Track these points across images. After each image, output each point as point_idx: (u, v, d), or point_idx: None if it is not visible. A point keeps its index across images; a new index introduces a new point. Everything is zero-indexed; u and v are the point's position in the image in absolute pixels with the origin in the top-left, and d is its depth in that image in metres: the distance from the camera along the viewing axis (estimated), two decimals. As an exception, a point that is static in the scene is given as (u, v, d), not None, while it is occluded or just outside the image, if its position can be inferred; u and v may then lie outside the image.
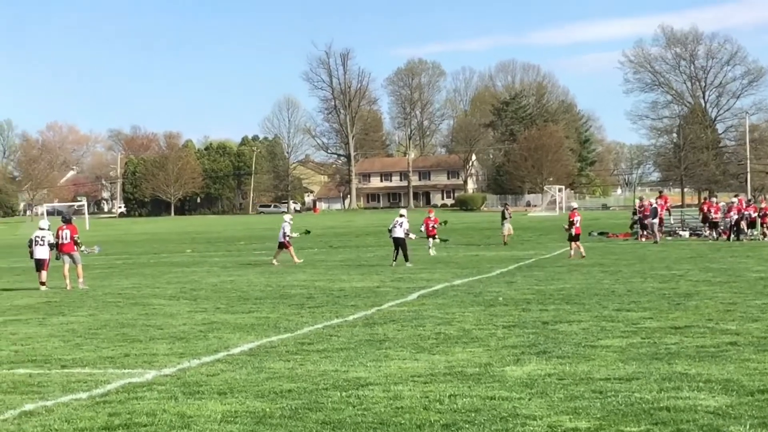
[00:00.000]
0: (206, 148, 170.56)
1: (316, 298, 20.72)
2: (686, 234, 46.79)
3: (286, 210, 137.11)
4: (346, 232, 68.52)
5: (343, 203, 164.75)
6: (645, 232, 44.21)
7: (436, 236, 38.14)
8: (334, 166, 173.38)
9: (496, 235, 50.46)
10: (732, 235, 42.27)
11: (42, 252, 25.89)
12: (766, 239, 41.77)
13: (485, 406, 9.22)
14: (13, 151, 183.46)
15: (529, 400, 9.46)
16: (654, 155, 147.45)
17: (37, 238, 26.04)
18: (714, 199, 49.96)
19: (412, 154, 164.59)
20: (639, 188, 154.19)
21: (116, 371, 11.94)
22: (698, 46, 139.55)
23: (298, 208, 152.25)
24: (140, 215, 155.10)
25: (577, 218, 33.62)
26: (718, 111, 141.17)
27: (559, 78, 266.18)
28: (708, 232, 44.68)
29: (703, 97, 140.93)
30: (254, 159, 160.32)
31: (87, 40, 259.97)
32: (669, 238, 45.18)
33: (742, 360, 11.40)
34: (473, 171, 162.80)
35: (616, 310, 16.75)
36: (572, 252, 32.93)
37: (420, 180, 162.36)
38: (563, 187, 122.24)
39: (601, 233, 50.52)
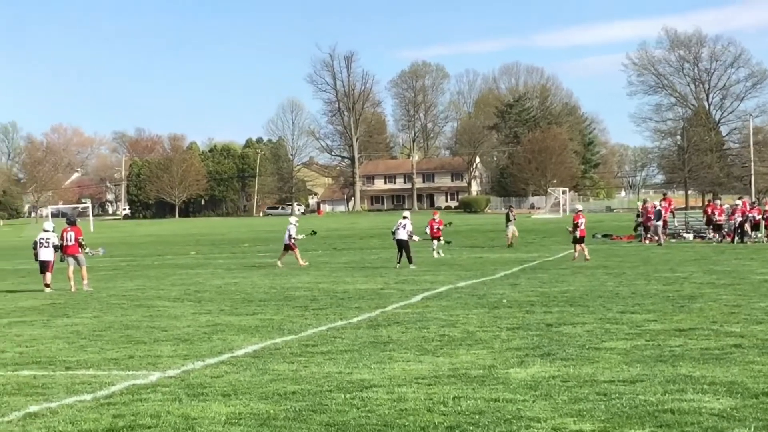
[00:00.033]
0: (210, 150, 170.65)
1: (320, 300, 20.72)
2: (690, 236, 46.78)
3: (293, 212, 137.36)
4: (350, 234, 68.52)
5: (347, 205, 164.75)
6: (648, 235, 44.22)
7: (441, 238, 38.12)
8: (338, 168, 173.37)
9: (500, 237, 50.46)
10: (736, 238, 42.25)
11: (46, 254, 25.91)
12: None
13: (489, 408, 9.21)
14: (17, 154, 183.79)
15: (533, 402, 9.46)
16: (658, 157, 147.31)
17: (41, 240, 26.06)
18: (718, 202, 49.94)
19: (416, 157, 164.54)
20: (643, 191, 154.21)
21: (120, 373, 11.95)
22: (702, 48, 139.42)
23: (303, 211, 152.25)
24: (144, 217, 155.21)
25: (581, 220, 33.59)
26: (722, 113, 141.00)
27: (563, 80, 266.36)
28: (712, 234, 44.65)
29: (707, 100, 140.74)
30: (258, 161, 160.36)
31: (92, 43, 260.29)
32: (673, 240, 45.17)
33: (747, 362, 11.38)
34: (477, 173, 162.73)
35: (620, 313, 16.74)
36: (576, 254, 32.92)
37: (424, 182, 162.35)
38: (567, 189, 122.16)
39: (605, 235, 50.50)
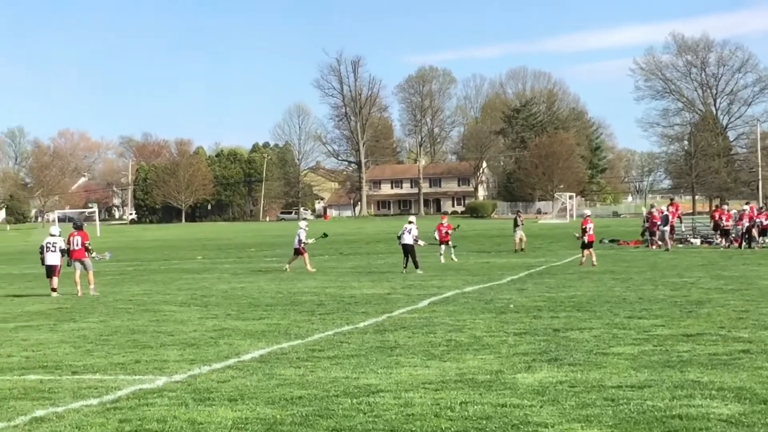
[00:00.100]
0: (217, 155, 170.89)
1: (327, 305, 20.70)
2: (697, 241, 46.68)
3: (306, 216, 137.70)
4: (357, 239, 68.51)
5: (354, 210, 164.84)
6: (653, 239, 44.24)
7: (450, 242, 38.05)
8: (344, 173, 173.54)
9: (506, 242, 50.41)
10: (743, 243, 42.15)
11: (53, 258, 25.93)
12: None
13: (496, 414, 9.19)
14: (24, 158, 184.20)
15: (541, 407, 9.43)
16: (665, 163, 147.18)
17: (48, 245, 26.08)
18: (725, 207, 49.91)
19: (423, 161, 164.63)
20: (650, 196, 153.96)
21: (127, 377, 11.94)
22: (709, 53, 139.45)
23: (312, 217, 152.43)
24: (151, 222, 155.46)
25: (589, 225, 33.50)
26: (730, 118, 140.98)
27: (570, 85, 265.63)
28: (719, 239, 44.56)
29: (714, 105, 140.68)
30: (265, 166, 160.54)
31: (99, 47, 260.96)
32: (680, 245, 45.08)
33: (755, 368, 11.34)
34: (484, 178, 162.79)
35: (627, 318, 16.70)
36: (583, 259, 32.85)
37: (430, 187, 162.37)
38: (574, 194, 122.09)
39: (612, 240, 50.42)
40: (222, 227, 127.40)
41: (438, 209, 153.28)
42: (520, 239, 44.42)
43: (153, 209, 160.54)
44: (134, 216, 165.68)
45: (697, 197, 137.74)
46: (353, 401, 9.94)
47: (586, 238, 33.06)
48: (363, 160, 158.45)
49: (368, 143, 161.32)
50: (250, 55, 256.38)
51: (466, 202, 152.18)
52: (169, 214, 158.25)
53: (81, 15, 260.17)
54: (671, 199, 53.37)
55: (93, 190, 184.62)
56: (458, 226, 42.42)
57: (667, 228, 43.15)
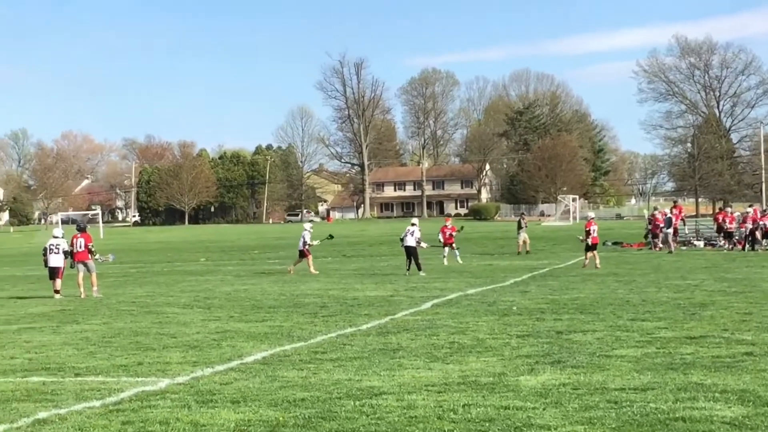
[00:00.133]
0: (220, 157, 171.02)
1: (330, 307, 20.69)
2: (701, 244, 46.64)
3: (311, 219, 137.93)
4: (360, 241, 68.51)
5: (357, 212, 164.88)
6: (654, 242, 44.28)
7: (454, 244, 38.00)
8: (347, 175, 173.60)
9: (509, 244, 50.39)
10: (747, 245, 42.12)
11: (56, 260, 25.94)
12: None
13: (499, 416, 9.18)
14: (28, 160, 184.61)
15: (544, 410, 9.42)
16: (668, 165, 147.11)
17: (51, 246, 26.10)
18: (729, 209, 49.78)
19: (426, 164, 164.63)
20: (653, 198, 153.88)
21: (129, 379, 11.94)
22: (712, 55, 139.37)
23: (318, 219, 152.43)
24: (154, 224, 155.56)
25: (593, 227, 33.48)
26: (733, 121, 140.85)
27: (573, 87, 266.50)
28: (723, 242, 44.52)
29: (718, 107, 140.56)
30: (268, 168, 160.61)
31: (102, 50, 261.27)
32: (684, 248, 45.04)
33: (759, 370, 11.32)
34: (487, 180, 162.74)
35: (630, 320, 16.68)
36: (587, 261, 32.83)
37: (434, 189, 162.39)
38: (577, 196, 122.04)
39: (615, 243, 50.40)
40: (225, 229, 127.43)
41: (441, 211, 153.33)
42: (524, 241, 44.39)
43: (156, 211, 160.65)
44: (137, 218, 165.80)
45: (700, 200, 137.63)
46: (356, 403, 9.93)
47: (590, 241, 33.05)
48: (366, 163, 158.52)
49: (371, 145, 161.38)
50: (253, 58, 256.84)
51: (469, 204, 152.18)
52: (172, 216, 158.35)
53: (84, 17, 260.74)
54: (674, 202, 53.37)
55: (96, 192, 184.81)
56: (462, 228, 42.37)
57: (671, 230, 43.13)
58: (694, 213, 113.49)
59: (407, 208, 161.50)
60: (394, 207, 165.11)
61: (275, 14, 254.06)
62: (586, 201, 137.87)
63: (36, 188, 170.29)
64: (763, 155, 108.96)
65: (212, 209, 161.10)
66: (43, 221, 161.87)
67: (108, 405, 10.25)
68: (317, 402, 10.09)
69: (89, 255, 26.16)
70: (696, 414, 9.02)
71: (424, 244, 33.10)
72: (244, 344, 14.97)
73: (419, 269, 31.07)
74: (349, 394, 10.45)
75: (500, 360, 12.64)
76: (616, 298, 21.00)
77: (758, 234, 42.46)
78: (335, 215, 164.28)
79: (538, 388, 10.53)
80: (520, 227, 45.27)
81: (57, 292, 25.64)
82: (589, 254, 32.97)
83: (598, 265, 32.11)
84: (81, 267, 25.95)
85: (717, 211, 67.61)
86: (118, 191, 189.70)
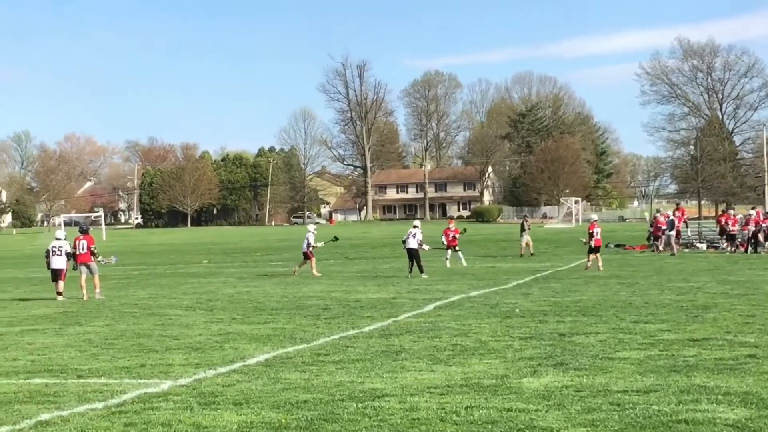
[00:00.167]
0: (223, 160, 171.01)
1: (332, 309, 20.69)
2: (703, 246, 46.63)
3: (318, 221, 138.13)
4: (362, 243, 68.52)
5: (359, 215, 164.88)
6: (656, 244, 44.31)
7: (457, 247, 37.98)
8: (350, 177, 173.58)
9: (512, 246, 50.39)
10: (750, 248, 42.10)
11: (59, 262, 25.97)
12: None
13: (502, 418, 9.17)
14: (30, 162, 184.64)
15: (546, 412, 9.41)
16: (671, 167, 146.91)
17: (54, 249, 26.13)
18: (731, 212, 49.76)
19: (428, 166, 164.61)
20: (656, 201, 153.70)
21: (132, 381, 11.94)
22: (715, 58, 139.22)
23: (324, 221, 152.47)
24: (157, 226, 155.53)
25: (596, 230, 33.49)
26: (736, 123, 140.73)
27: (576, 90, 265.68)
28: (725, 244, 44.50)
29: (720, 109, 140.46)
30: (270, 170, 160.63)
31: (104, 52, 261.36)
32: (686, 250, 45.04)
33: (761, 372, 11.31)
34: (489, 183, 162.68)
35: (633, 322, 16.67)
36: (589, 263, 32.84)
37: (436, 192, 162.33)
38: (579, 199, 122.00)
39: (617, 245, 50.39)
40: (228, 231, 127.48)
41: (443, 214, 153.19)
42: (527, 244, 44.40)
43: (159, 213, 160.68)
44: (140, 220, 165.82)
45: (703, 202, 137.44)
46: (358, 405, 9.93)
47: (593, 243, 33.06)
48: (368, 165, 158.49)
49: (374, 148, 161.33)
50: (256, 60, 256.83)
51: (472, 206, 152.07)
52: (175, 218, 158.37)
53: (87, 18, 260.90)
54: (677, 204, 53.33)
55: (99, 194, 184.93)
56: (465, 230, 42.39)
57: (674, 232, 43.14)
58: (697, 215, 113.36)
59: (410, 210, 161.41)
60: (397, 209, 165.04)
61: (278, 16, 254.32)
62: (589, 203, 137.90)
63: (39, 190, 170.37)
64: (765, 157, 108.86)
65: (215, 211, 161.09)
66: (45, 223, 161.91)
67: (110, 407, 10.25)
68: (320, 404, 10.09)
69: (92, 257, 26.18)
70: (699, 416, 9.01)
71: (426, 247, 33.11)
72: (246, 346, 14.97)
73: (421, 271, 31.07)
74: (351, 396, 10.44)
75: (503, 362, 12.63)
76: (618, 301, 20.99)
77: (761, 236, 42.43)
78: (338, 217, 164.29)
79: (541, 390, 10.52)
80: (523, 230, 45.29)
81: (59, 294, 25.66)
82: (592, 256, 32.99)
83: (601, 268, 32.11)
84: (83, 269, 25.98)
85: (720, 213, 67.47)
86: (120, 193, 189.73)
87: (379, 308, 20.70)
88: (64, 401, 10.66)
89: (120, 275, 37.89)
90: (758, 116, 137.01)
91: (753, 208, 48.50)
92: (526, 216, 50.35)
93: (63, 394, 11.14)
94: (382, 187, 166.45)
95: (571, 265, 35.93)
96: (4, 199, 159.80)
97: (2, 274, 42.51)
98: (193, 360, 13.65)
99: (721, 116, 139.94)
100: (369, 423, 9.13)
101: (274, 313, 20.20)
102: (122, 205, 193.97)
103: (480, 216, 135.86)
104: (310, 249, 33.97)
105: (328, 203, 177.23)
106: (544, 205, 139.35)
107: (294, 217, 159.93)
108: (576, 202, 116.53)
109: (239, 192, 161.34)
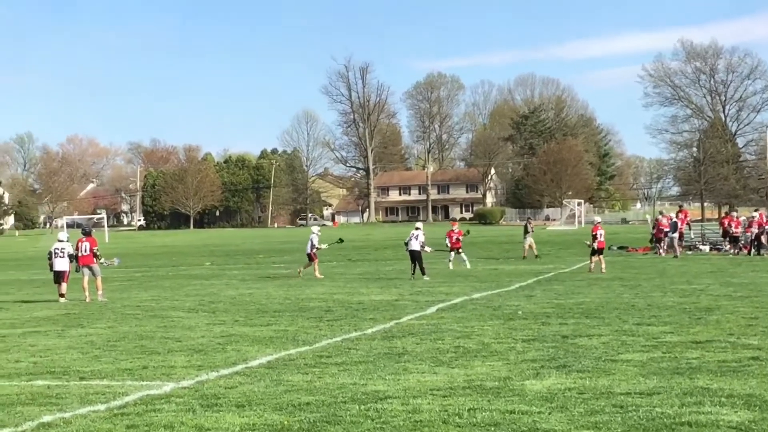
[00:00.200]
0: (225, 161, 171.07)
1: (335, 311, 20.68)
2: (706, 248, 46.60)
3: (323, 223, 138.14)
4: (365, 245, 68.51)
5: (362, 217, 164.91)
6: (658, 246, 44.31)
7: (460, 249, 37.95)
8: (352, 179, 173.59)
9: (515, 248, 50.37)
10: (753, 250, 42.06)
11: (61, 264, 25.97)
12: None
13: (505, 420, 9.15)
14: (33, 164, 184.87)
15: (549, 414, 9.39)
16: (674, 169, 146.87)
17: (56, 250, 26.13)
18: (734, 214, 49.72)
19: (431, 168, 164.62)
20: (659, 202, 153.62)
21: (134, 383, 11.93)
22: (718, 60, 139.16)
23: (330, 223, 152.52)
24: (159, 228, 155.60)
25: (600, 232, 33.46)
26: (738, 125, 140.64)
27: (579, 92, 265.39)
28: (728, 246, 44.47)
29: (723, 111, 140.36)
30: (273, 172, 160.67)
31: (107, 53, 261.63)
32: (689, 252, 45.00)
33: (765, 375, 11.29)
34: (492, 185, 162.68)
35: (636, 325, 16.65)
36: (592, 265, 32.82)
37: (439, 193, 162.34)
38: (582, 201, 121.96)
39: (620, 247, 50.35)
40: (230, 233, 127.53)
41: (446, 216, 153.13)
42: (530, 246, 44.38)
43: (161, 215, 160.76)
44: (142, 222, 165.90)
45: (706, 204, 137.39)
46: (361, 407, 9.91)
47: (596, 245, 33.04)
48: (371, 167, 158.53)
49: (376, 150, 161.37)
50: (258, 62, 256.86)
51: (475, 208, 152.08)
52: (178, 220, 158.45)
53: (87, 19, 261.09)
54: (680, 206, 53.31)
55: (101, 196, 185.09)
56: (468, 231, 42.38)
57: (676, 235, 43.09)
58: (700, 217, 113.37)
59: (412, 212, 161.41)
60: (399, 211, 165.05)
61: (281, 17, 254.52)
62: (592, 205, 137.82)
63: (41, 192, 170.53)
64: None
65: (217, 213, 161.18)
66: (48, 225, 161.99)
67: (113, 409, 10.25)
68: (322, 406, 10.08)
69: (94, 259, 26.18)
70: (702, 418, 8.99)
71: (428, 249, 33.10)
72: (249, 348, 14.96)
73: (423, 273, 31.06)
74: (354, 399, 10.43)
75: (506, 364, 12.61)
76: (621, 303, 20.97)
77: (764, 238, 42.39)
78: (340, 219, 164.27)
79: (544, 392, 10.51)
80: (526, 232, 45.29)
81: (62, 296, 25.67)
82: (595, 258, 32.96)
83: (604, 270, 32.09)
84: (86, 271, 25.98)
85: (722, 215, 67.45)
86: (123, 195, 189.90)
87: (382, 310, 20.69)
88: (67, 403, 10.65)
89: (122, 277, 37.90)
90: (761, 118, 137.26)
91: (756, 210, 48.42)
92: (529, 218, 50.36)
93: (65, 395, 11.13)
94: (384, 189, 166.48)
95: (574, 267, 35.91)
96: (6, 201, 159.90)
97: (5, 276, 42.53)
98: (195, 362, 13.64)
99: (724, 118, 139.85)
100: (371, 425, 9.12)
101: (276, 315, 20.19)
102: (125, 207, 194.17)
103: (483, 218, 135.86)
104: (314, 251, 33.97)
105: (330, 205, 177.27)
106: (547, 207, 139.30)
107: (299, 219, 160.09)
108: (579, 204, 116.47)
109: (242, 194, 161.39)
